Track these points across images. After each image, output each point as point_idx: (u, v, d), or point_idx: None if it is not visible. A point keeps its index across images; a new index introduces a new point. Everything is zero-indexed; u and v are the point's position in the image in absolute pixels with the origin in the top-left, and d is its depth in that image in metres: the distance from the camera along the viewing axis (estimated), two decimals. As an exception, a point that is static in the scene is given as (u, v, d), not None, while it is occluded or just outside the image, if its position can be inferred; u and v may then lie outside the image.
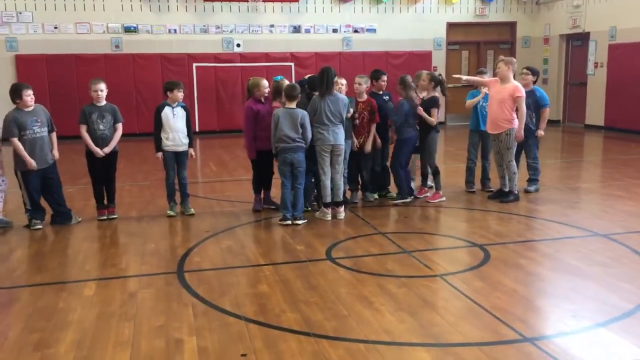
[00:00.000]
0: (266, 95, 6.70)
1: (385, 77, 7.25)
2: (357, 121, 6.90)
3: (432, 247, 5.64)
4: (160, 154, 6.67)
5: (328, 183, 6.43)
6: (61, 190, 6.46)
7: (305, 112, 6.29)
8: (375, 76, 7.21)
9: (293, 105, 6.27)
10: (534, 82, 7.59)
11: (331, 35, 15.54)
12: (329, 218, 6.44)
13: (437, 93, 7.14)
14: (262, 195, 6.94)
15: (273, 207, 6.85)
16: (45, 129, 6.25)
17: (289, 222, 6.24)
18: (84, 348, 3.53)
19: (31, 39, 13.79)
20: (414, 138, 7.02)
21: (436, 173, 7.24)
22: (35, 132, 6.16)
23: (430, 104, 7.02)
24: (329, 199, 6.46)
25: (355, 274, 4.76)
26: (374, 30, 15.74)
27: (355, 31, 15.67)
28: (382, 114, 7.04)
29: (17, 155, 6.13)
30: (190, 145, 6.76)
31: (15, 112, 6.12)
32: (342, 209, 6.56)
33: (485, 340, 3.57)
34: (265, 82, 6.71)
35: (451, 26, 16.25)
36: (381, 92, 7.21)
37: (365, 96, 6.99)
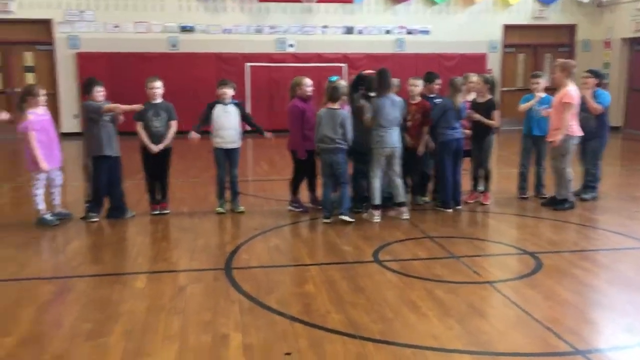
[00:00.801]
0: (309, 94, 6.73)
1: (439, 81, 7.17)
2: (409, 123, 6.84)
3: (481, 253, 5.53)
4: (192, 134, 6.71)
5: (378, 185, 6.40)
6: (121, 185, 6.64)
7: (346, 113, 6.30)
8: (429, 79, 7.13)
9: (336, 105, 6.28)
10: (598, 85, 7.34)
11: (384, 36, 15.45)
12: (377, 220, 6.41)
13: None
14: (298, 196, 6.96)
15: (319, 207, 6.86)
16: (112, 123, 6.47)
17: (329, 220, 6.27)
18: (134, 339, 3.62)
19: (92, 37, 14.24)
20: (452, 142, 6.80)
21: (488, 176, 7.13)
22: (106, 125, 6.38)
23: (490, 107, 6.93)
24: (378, 201, 6.43)
25: (402, 277, 4.72)
26: (427, 32, 15.57)
27: (409, 32, 15.53)
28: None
29: (91, 144, 6.33)
30: (261, 133, 6.89)
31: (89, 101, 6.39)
32: (405, 208, 6.54)
33: (535, 351, 3.48)
34: (307, 81, 6.75)
35: (508, 28, 15.91)
36: (433, 95, 7.12)
37: (418, 98, 6.92)
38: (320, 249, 5.66)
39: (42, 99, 6.37)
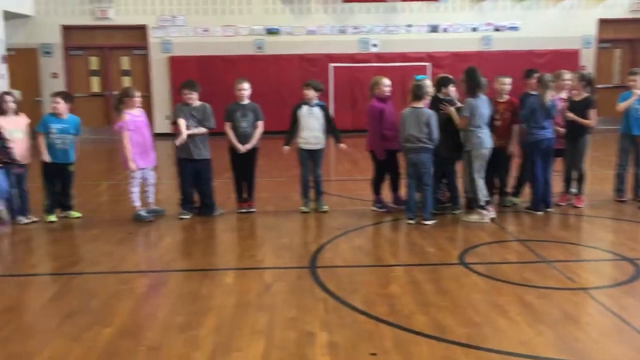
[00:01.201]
0: (387, 94, 6.68)
1: (537, 76, 6.89)
2: (499, 122, 6.65)
3: (575, 258, 5.29)
4: (286, 148, 6.84)
5: (483, 183, 6.32)
6: (210, 184, 6.87)
7: (431, 112, 6.21)
8: (528, 75, 6.90)
9: (420, 104, 6.20)
10: None
11: (470, 34, 15.11)
12: (488, 220, 6.27)
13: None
14: (381, 196, 6.92)
15: (402, 207, 6.80)
16: (194, 123, 6.68)
17: (413, 221, 6.21)
18: (223, 334, 3.74)
19: (183, 41, 14.83)
20: (542, 142, 6.53)
21: (582, 178, 6.81)
22: (192, 128, 6.60)
23: (586, 105, 6.63)
24: (487, 198, 6.35)
25: (490, 281, 4.60)
26: (516, 28, 15.09)
27: (496, 29, 15.11)
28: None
29: (177, 147, 6.61)
30: (338, 140, 6.91)
31: (181, 104, 6.66)
32: (491, 208, 6.44)
33: (634, 363, 3.30)
34: (386, 81, 6.71)
35: (602, 22, 15.13)
36: (533, 92, 6.85)
37: (506, 97, 6.73)
38: (404, 249, 5.61)
39: (138, 100, 6.69)
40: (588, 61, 15.02)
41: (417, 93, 6.22)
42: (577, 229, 6.35)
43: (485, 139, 6.22)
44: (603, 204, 7.01)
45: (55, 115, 6.60)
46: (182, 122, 6.52)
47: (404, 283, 4.57)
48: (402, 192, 6.77)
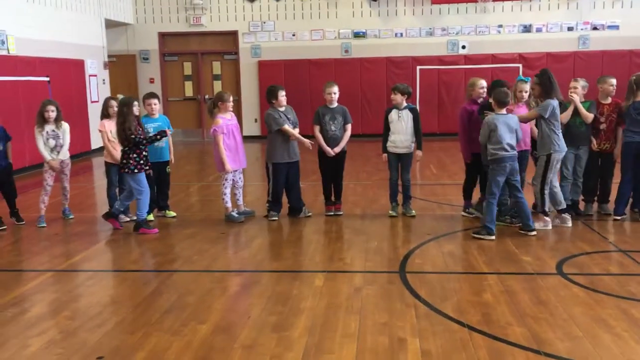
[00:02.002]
0: (484, 96, 6.49)
1: None
2: (604, 125, 6.35)
3: (685, 271, 4.94)
4: (385, 155, 6.85)
5: (558, 189, 6.13)
6: (299, 186, 6.97)
7: (516, 117, 5.98)
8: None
9: (504, 111, 5.96)
10: None
11: (566, 33, 14.49)
12: (550, 227, 6.08)
13: None
14: (471, 201, 6.74)
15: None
16: (292, 126, 6.78)
17: (490, 237, 5.85)
18: (315, 335, 3.76)
19: (272, 46, 15.14)
20: (632, 144, 6.23)
21: None
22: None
23: None
24: (563, 205, 6.16)
25: (591, 293, 4.37)
26: (616, 27, 14.31)
27: (595, 28, 14.40)
28: None
29: (270, 150, 6.75)
30: (419, 147, 6.80)
31: (271, 110, 6.77)
32: (567, 215, 6.24)
33: None
34: (482, 82, 6.53)
35: None
36: None
37: (609, 99, 6.40)
38: (497, 257, 5.43)
39: (231, 105, 6.89)
40: (697, 60, 14.01)
41: (504, 100, 5.92)
42: (686, 241, 5.93)
43: (564, 143, 6.00)
44: None
45: (149, 115, 6.90)
46: (287, 128, 6.68)
47: (498, 292, 4.43)
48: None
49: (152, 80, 15.53)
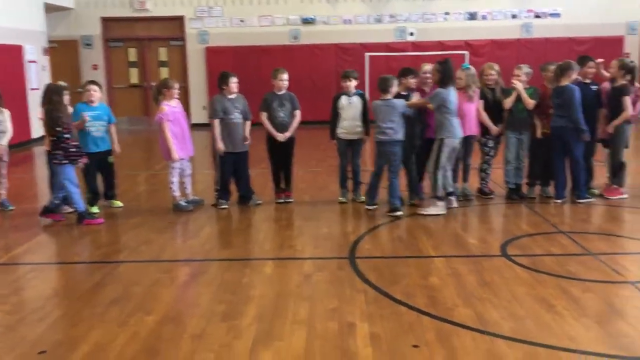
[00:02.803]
0: (428, 81, 6.64)
1: (592, 63, 6.70)
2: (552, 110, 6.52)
3: (622, 251, 5.15)
4: (333, 141, 6.86)
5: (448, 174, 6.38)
6: (248, 174, 6.90)
7: (403, 102, 6.28)
8: (581, 62, 6.72)
9: (388, 96, 6.28)
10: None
11: (510, 21, 14.83)
12: (444, 212, 6.23)
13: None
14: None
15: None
16: (241, 116, 6.70)
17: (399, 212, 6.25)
18: (265, 323, 3.75)
19: (220, 32, 14.91)
20: (555, 129, 6.43)
21: (620, 168, 6.60)
22: (233, 118, 6.63)
23: (620, 92, 6.43)
24: (450, 189, 6.40)
25: (533, 273, 4.51)
26: (557, 15, 14.72)
27: (537, 16, 14.78)
28: (587, 104, 6.42)
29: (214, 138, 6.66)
30: (367, 133, 6.83)
31: (219, 96, 6.66)
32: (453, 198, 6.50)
33: (687, 360, 3.19)
34: (424, 68, 6.69)
35: (649, 8, 14.65)
36: (589, 81, 6.68)
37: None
38: (444, 241, 5.54)
39: (176, 91, 6.74)
40: (633, 48, 14.58)
41: (384, 87, 6.25)
42: (623, 221, 6.18)
43: (457, 130, 6.15)
44: (650, 196, 6.81)
45: (87, 103, 6.68)
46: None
47: (445, 275, 4.52)
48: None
49: (95, 67, 15.08)
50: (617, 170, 6.66)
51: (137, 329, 3.69)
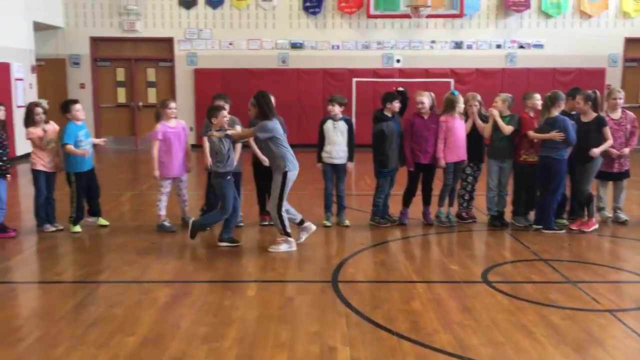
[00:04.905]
0: (422, 110, 6.73)
1: (579, 97, 6.78)
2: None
3: (601, 279, 5.21)
4: (319, 165, 6.92)
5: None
6: (240, 198, 6.82)
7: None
8: (572, 94, 6.85)
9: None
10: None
11: (494, 51, 15.08)
12: (295, 248, 5.98)
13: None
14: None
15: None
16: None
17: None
18: (246, 346, 3.75)
19: (209, 54, 15.00)
20: (542, 158, 6.54)
21: (589, 200, 6.64)
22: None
23: (599, 124, 6.53)
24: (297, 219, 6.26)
25: (513, 300, 4.55)
26: (541, 46, 15.02)
27: (521, 47, 15.06)
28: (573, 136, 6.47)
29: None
30: (350, 159, 6.89)
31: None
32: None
33: (662, 388, 3.23)
34: (418, 98, 6.75)
35: (629, 41, 15.00)
36: (574, 113, 6.81)
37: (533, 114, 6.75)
38: (426, 266, 5.58)
39: (172, 111, 6.73)
40: (614, 80, 14.88)
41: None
42: (603, 250, 6.26)
43: (296, 161, 5.99)
44: (632, 226, 6.90)
45: (75, 122, 6.66)
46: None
47: (426, 300, 4.55)
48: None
49: (82, 86, 15.07)
50: (589, 202, 6.68)
51: (117, 351, 3.67)
